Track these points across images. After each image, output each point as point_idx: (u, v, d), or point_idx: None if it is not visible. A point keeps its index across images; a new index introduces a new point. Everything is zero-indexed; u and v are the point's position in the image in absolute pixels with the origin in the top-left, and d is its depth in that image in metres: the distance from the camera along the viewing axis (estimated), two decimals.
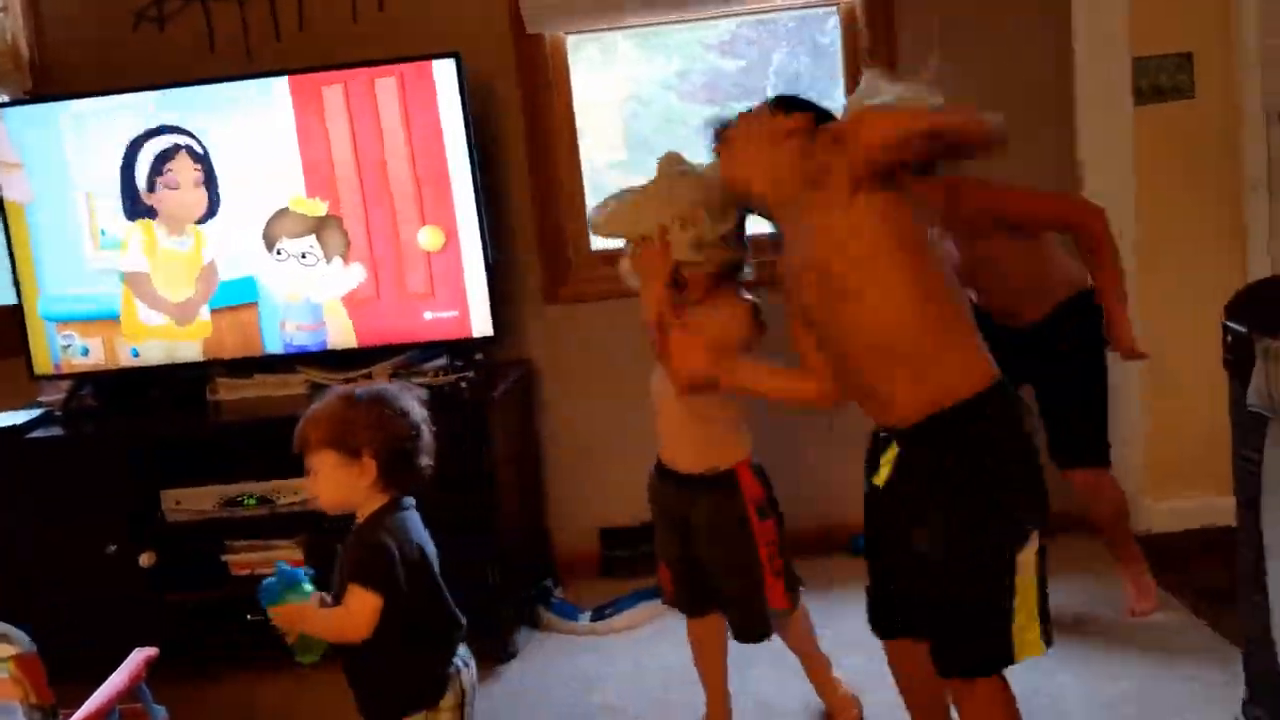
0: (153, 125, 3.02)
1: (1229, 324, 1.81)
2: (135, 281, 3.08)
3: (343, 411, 1.90)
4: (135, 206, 3.05)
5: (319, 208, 3.01)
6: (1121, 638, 2.70)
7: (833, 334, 1.78)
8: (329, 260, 3.04)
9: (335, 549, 1.93)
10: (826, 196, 1.72)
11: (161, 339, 3.10)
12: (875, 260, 1.70)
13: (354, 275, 3.03)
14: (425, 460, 1.94)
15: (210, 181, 3.03)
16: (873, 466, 1.85)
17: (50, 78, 3.30)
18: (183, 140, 3.02)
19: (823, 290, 1.75)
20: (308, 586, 1.88)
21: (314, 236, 3.03)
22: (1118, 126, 3.12)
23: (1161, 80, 3.12)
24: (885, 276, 1.70)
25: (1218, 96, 3.12)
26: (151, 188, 3.04)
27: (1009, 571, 1.74)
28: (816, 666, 2.45)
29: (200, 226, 3.05)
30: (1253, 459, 1.78)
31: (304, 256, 3.04)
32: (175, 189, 3.03)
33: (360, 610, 1.82)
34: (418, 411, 1.95)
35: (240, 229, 3.04)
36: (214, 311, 3.08)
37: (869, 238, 1.70)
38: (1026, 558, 1.76)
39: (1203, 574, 2.91)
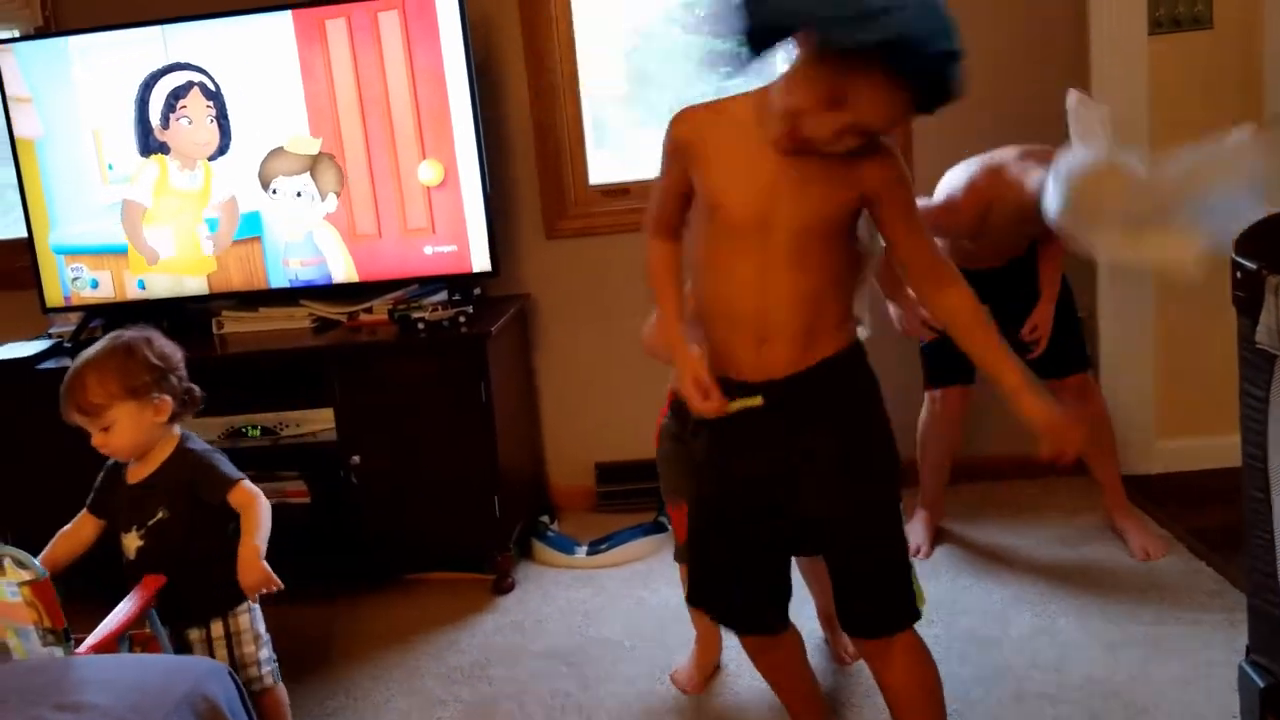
0: (165, 61, 3.03)
1: (1238, 259, 1.76)
2: (143, 214, 3.12)
3: (124, 361, 2.07)
4: (148, 142, 3.08)
5: (312, 145, 3.02)
6: (1124, 581, 2.67)
7: (767, 283, 1.67)
8: (324, 197, 3.05)
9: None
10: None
11: (166, 273, 3.14)
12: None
13: (346, 207, 3.05)
14: (195, 387, 2.16)
15: (222, 118, 3.05)
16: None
17: (60, 14, 3.31)
18: (196, 77, 3.03)
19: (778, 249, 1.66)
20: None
21: (308, 174, 3.04)
22: (1132, 58, 3.01)
23: (1179, 10, 3.01)
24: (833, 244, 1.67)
25: (1237, 27, 3.00)
26: (165, 124, 3.06)
27: (900, 519, 1.76)
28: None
29: (211, 163, 3.07)
30: (1259, 397, 1.73)
31: (299, 195, 3.05)
32: (189, 124, 3.05)
33: (252, 493, 2.09)
34: (173, 345, 2.16)
35: (245, 165, 3.06)
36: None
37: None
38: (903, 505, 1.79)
39: (1209, 515, 2.86)
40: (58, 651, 1.87)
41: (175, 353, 2.15)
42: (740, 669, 2.45)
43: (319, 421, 2.94)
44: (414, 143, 2.99)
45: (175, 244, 3.12)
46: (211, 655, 2.09)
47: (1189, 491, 3.05)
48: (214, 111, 3.04)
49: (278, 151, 3.04)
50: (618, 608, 2.81)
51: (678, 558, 2.41)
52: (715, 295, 1.72)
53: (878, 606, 1.78)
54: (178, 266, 3.13)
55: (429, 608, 2.90)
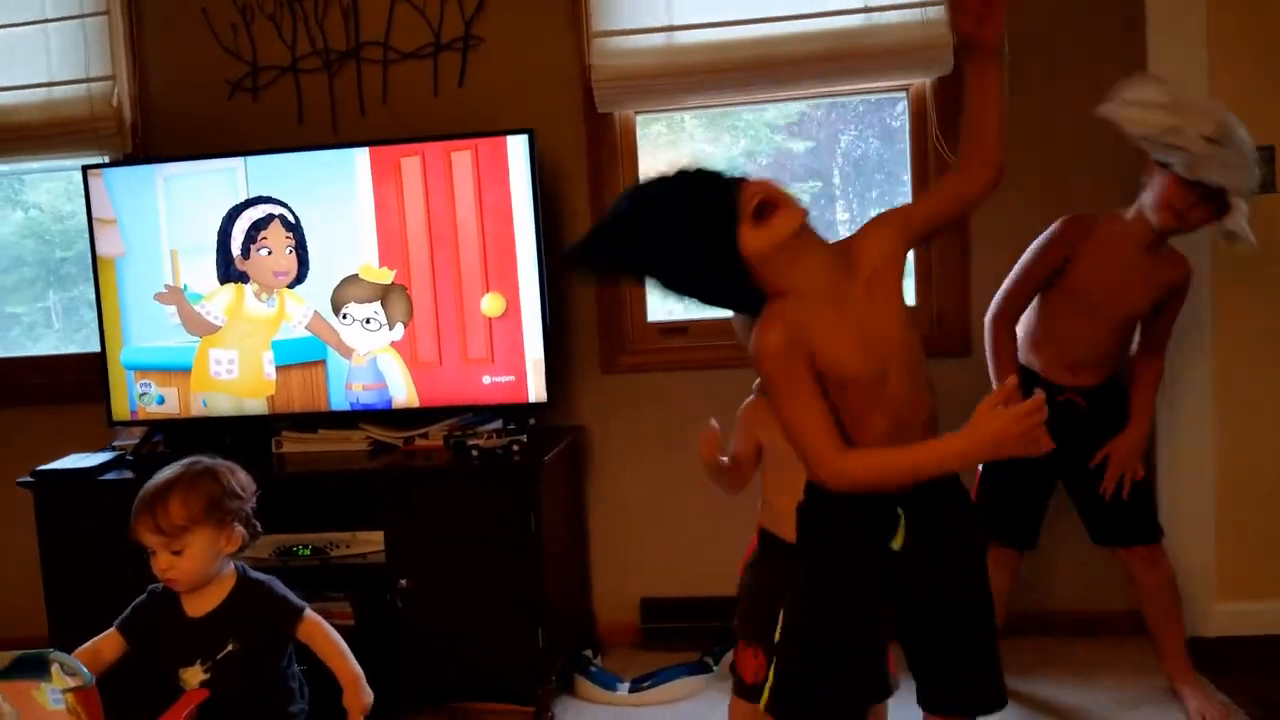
0: (246, 193, 3.15)
1: None
2: (210, 336, 3.21)
3: (208, 486, 2.03)
4: (229, 272, 3.19)
5: (387, 275, 3.12)
6: None
7: (901, 404, 1.71)
8: (391, 326, 3.13)
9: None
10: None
11: (227, 393, 3.21)
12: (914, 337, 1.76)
13: (410, 334, 3.12)
14: (258, 524, 2.13)
15: (301, 248, 3.16)
16: (874, 535, 1.78)
17: (150, 141, 3.49)
18: (276, 210, 3.16)
19: (905, 363, 1.72)
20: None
21: (379, 303, 3.13)
22: None
23: None
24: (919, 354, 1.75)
25: None
26: (245, 254, 3.18)
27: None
28: None
29: (288, 290, 3.17)
30: None
31: (368, 321, 3.14)
32: (268, 255, 3.16)
33: (317, 620, 2.09)
34: (249, 478, 2.13)
35: (315, 292, 3.16)
36: (280, 369, 3.18)
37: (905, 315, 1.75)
38: None
39: (1271, 682, 2.78)
40: None
41: (251, 485, 2.12)
42: None
43: (369, 544, 2.95)
44: (479, 275, 3.07)
45: (240, 367, 3.20)
46: None
47: (1250, 657, 2.96)
48: (293, 242, 3.16)
49: (352, 278, 3.13)
50: None
51: (742, 694, 2.28)
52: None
53: (993, 683, 1.81)
54: (240, 389, 3.20)
55: None
